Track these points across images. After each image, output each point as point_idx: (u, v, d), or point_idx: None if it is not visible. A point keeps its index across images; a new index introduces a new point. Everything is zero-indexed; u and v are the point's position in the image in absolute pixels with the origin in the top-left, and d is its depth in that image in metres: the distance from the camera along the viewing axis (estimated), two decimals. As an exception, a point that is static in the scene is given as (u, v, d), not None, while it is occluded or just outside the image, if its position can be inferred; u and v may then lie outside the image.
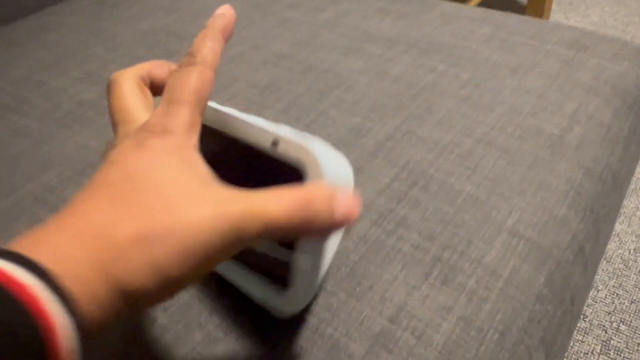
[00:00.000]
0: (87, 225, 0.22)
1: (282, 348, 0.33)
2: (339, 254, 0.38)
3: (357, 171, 0.44)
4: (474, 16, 0.66)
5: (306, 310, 0.34)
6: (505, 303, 0.36)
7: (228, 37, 0.30)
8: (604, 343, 0.89)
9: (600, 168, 0.47)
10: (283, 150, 0.29)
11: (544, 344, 0.37)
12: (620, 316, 0.93)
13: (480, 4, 1.48)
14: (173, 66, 0.31)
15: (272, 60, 0.59)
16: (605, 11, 1.80)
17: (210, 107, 0.31)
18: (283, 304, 0.31)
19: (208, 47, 0.28)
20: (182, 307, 0.35)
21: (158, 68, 0.31)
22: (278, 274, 0.32)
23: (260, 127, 0.29)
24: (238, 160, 0.32)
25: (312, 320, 0.34)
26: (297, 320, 0.34)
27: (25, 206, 0.43)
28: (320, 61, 0.58)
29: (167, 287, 0.22)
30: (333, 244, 0.32)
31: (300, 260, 0.30)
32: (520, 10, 1.79)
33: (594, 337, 0.90)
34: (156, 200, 0.23)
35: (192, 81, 0.27)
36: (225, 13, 0.30)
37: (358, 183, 0.43)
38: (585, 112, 0.51)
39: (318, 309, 0.34)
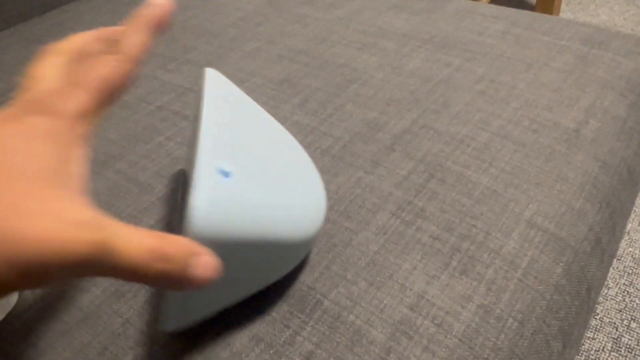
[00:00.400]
0: None
1: (304, 336, 0.33)
2: (358, 244, 0.38)
3: (375, 165, 0.45)
4: (488, 13, 0.67)
5: (327, 297, 0.35)
6: (524, 293, 0.36)
7: (161, 29, 0.28)
8: (614, 340, 0.89)
9: (616, 161, 0.47)
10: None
11: (561, 333, 0.37)
12: (631, 314, 0.93)
13: (491, 1, 1.49)
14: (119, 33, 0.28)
15: (288, 56, 0.60)
16: (615, 10, 1.80)
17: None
18: (161, 318, 0.31)
19: (132, 39, 0.26)
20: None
21: (96, 43, 0.28)
22: None
23: (198, 156, 0.29)
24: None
25: (334, 308, 0.34)
26: (319, 308, 0.34)
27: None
28: (336, 56, 0.59)
29: None
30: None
31: None
32: (529, 8, 1.79)
33: (605, 335, 0.90)
34: (9, 191, 0.20)
35: (103, 69, 0.25)
36: (157, 2, 0.28)
37: (376, 176, 0.44)
38: (600, 106, 0.51)
39: (339, 297, 0.35)
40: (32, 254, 0.19)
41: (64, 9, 0.77)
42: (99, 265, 0.21)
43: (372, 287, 0.36)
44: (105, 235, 0.21)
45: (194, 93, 0.55)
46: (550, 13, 1.60)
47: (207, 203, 0.27)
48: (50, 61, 0.26)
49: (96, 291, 0.36)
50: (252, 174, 0.30)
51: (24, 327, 0.34)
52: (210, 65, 0.59)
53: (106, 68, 0.25)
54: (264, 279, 0.33)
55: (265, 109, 0.51)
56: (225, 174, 0.29)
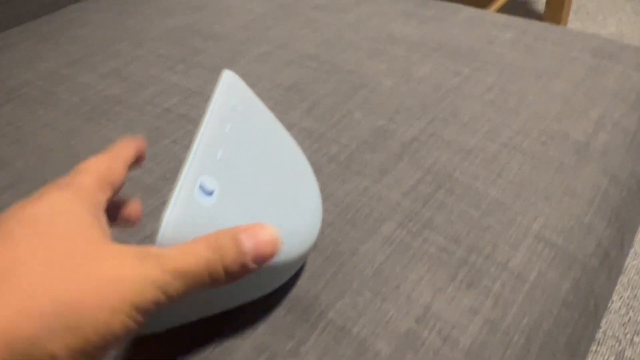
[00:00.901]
0: None
1: (309, 346, 0.33)
2: (364, 254, 0.38)
3: (383, 173, 0.44)
4: (498, 21, 0.66)
5: (332, 308, 0.35)
6: (531, 307, 0.36)
7: (137, 164, 0.32)
8: (617, 354, 0.88)
9: (626, 175, 0.47)
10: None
11: (568, 348, 0.37)
12: (634, 327, 0.92)
13: (499, 10, 1.49)
14: (136, 145, 0.32)
15: (297, 61, 0.59)
16: (623, 21, 1.79)
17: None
18: None
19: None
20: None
21: (127, 150, 0.31)
22: None
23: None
24: None
25: (338, 319, 0.34)
26: (323, 318, 0.34)
27: (54, 198, 0.43)
28: (345, 62, 0.59)
29: (97, 348, 0.21)
30: None
31: None
32: (537, 18, 1.79)
33: (607, 348, 0.89)
34: (67, 256, 0.22)
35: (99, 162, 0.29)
36: (132, 142, 0.32)
37: (383, 184, 0.43)
38: (610, 119, 0.51)
39: (345, 307, 0.35)
40: (122, 293, 0.22)
41: (73, 7, 0.77)
42: (174, 283, 0.23)
43: (378, 297, 0.35)
44: (161, 258, 0.23)
45: (202, 96, 0.54)
46: (559, 22, 1.60)
47: (178, 222, 0.26)
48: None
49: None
50: (239, 193, 0.30)
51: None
52: (218, 69, 0.59)
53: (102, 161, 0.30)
54: (248, 295, 0.33)
55: (275, 114, 0.51)
56: (208, 192, 0.28)
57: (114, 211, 0.32)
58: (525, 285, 0.37)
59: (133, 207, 0.33)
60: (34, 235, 0.23)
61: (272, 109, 0.52)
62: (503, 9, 1.83)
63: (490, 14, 0.68)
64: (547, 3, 1.59)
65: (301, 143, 0.48)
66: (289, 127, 0.50)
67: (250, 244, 0.26)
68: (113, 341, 0.22)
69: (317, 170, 0.45)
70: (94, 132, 0.51)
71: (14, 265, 0.21)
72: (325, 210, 0.41)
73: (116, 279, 0.22)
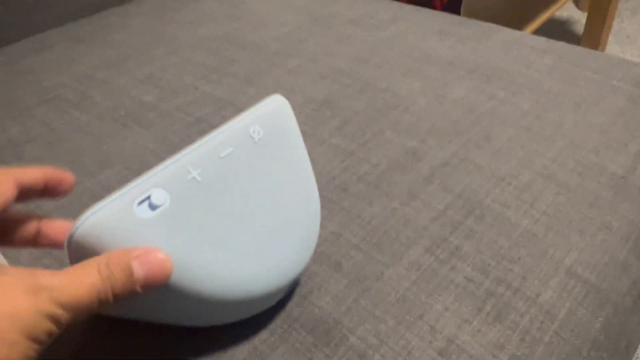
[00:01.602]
0: None
1: (328, 370, 0.32)
2: (388, 279, 0.37)
3: (412, 196, 0.44)
4: (536, 45, 0.65)
5: (354, 333, 0.34)
6: (560, 346, 0.35)
7: (50, 194, 0.33)
8: (643, 391, 0.85)
9: (665, 213, 0.45)
10: None
11: (596, 392, 0.35)
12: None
13: (537, 31, 1.47)
14: (48, 173, 0.32)
15: (330, 76, 0.59)
16: (665, 46, 1.75)
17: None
18: None
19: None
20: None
21: (29, 173, 0.31)
22: None
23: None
24: None
25: (360, 345, 0.33)
26: (344, 344, 0.33)
27: (84, 202, 0.44)
28: (378, 80, 0.58)
29: None
30: None
31: None
32: (576, 40, 1.76)
33: (633, 384, 0.86)
34: None
35: None
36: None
37: (412, 208, 0.42)
38: (651, 153, 0.49)
39: (366, 334, 0.34)
40: (14, 330, 0.22)
41: (113, 11, 0.78)
42: (67, 315, 0.24)
43: (401, 326, 0.35)
44: (52, 291, 0.24)
45: (234, 107, 0.54)
46: (597, 45, 1.57)
47: (100, 219, 0.26)
48: None
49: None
50: (194, 218, 0.29)
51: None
52: (251, 79, 0.59)
53: None
54: (207, 318, 0.33)
55: (303, 129, 0.51)
56: (152, 206, 0.27)
57: (7, 229, 0.32)
58: (555, 323, 0.35)
59: (50, 226, 0.33)
60: None
61: (303, 123, 0.52)
62: (541, 30, 1.80)
63: (528, 37, 0.67)
64: (586, 25, 1.57)
65: (330, 161, 0.47)
66: (319, 143, 0.49)
67: (141, 272, 0.26)
68: None
69: (345, 189, 0.44)
70: (126, 137, 0.51)
71: None
72: (351, 233, 0.41)
73: (11, 314, 0.22)
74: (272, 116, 0.34)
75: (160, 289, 0.27)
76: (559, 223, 0.42)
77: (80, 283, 0.25)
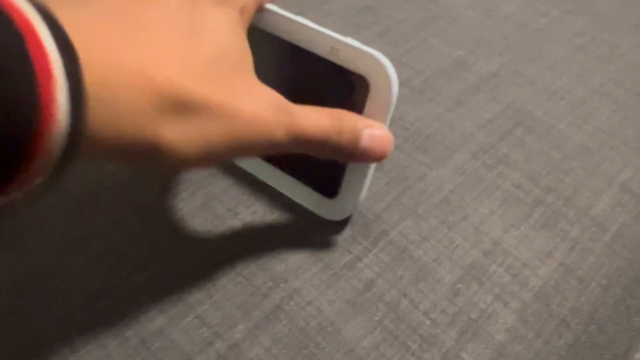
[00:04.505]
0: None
1: (365, 262, 0.30)
2: (432, 180, 0.35)
3: (458, 103, 0.41)
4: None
5: (394, 229, 0.32)
6: (611, 258, 0.33)
7: None
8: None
9: None
10: (345, 57, 0.27)
11: (644, 310, 0.34)
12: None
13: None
14: None
15: (372, -16, 0.55)
16: None
17: (268, 9, 0.28)
18: (330, 211, 0.31)
19: None
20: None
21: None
22: (324, 182, 0.31)
23: (321, 33, 0.27)
24: (295, 67, 0.29)
25: (400, 240, 0.32)
26: (384, 238, 0.32)
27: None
28: (423, -9, 0.55)
29: (203, 160, 0.21)
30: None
31: (351, 170, 0.30)
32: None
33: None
34: (226, 75, 0.22)
35: None
36: None
37: (458, 114, 0.40)
38: None
39: (407, 230, 0.32)
40: (246, 132, 0.22)
41: None
42: (288, 142, 0.23)
43: (444, 225, 0.33)
44: (294, 117, 0.23)
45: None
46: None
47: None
48: None
49: (154, 188, 0.34)
50: None
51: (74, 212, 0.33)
52: (289, -17, 0.55)
53: None
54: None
55: (344, 34, 0.48)
56: None
57: None
58: (607, 235, 0.33)
59: None
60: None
61: (343, 28, 0.49)
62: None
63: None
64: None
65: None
66: (360, 47, 0.46)
67: (366, 143, 0.26)
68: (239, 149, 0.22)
69: (387, 92, 0.42)
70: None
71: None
72: (393, 133, 0.38)
73: (253, 115, 0.22)
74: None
75: None
76: (614, 140, 0.39)
77: (316, 124, 0.24)
